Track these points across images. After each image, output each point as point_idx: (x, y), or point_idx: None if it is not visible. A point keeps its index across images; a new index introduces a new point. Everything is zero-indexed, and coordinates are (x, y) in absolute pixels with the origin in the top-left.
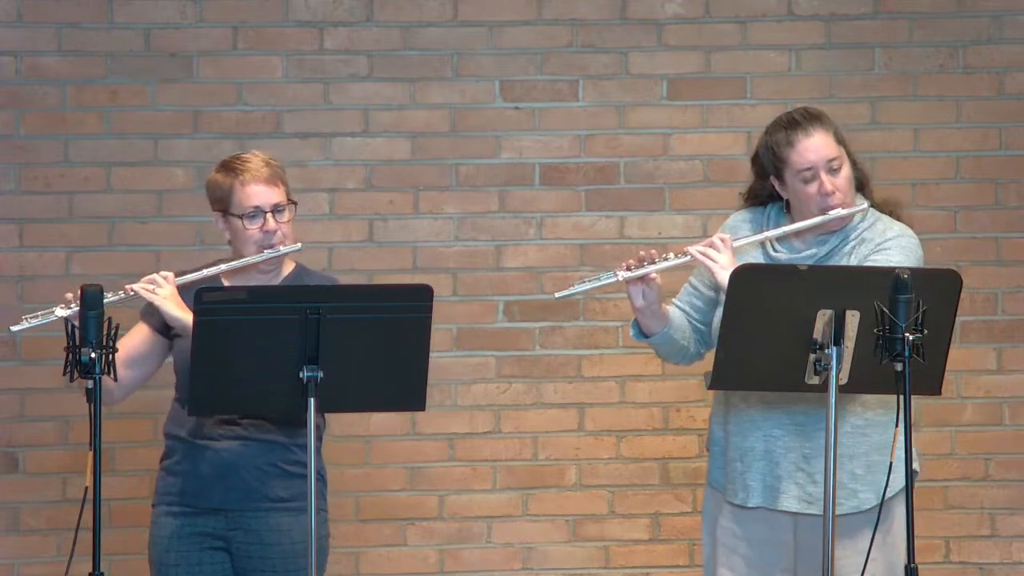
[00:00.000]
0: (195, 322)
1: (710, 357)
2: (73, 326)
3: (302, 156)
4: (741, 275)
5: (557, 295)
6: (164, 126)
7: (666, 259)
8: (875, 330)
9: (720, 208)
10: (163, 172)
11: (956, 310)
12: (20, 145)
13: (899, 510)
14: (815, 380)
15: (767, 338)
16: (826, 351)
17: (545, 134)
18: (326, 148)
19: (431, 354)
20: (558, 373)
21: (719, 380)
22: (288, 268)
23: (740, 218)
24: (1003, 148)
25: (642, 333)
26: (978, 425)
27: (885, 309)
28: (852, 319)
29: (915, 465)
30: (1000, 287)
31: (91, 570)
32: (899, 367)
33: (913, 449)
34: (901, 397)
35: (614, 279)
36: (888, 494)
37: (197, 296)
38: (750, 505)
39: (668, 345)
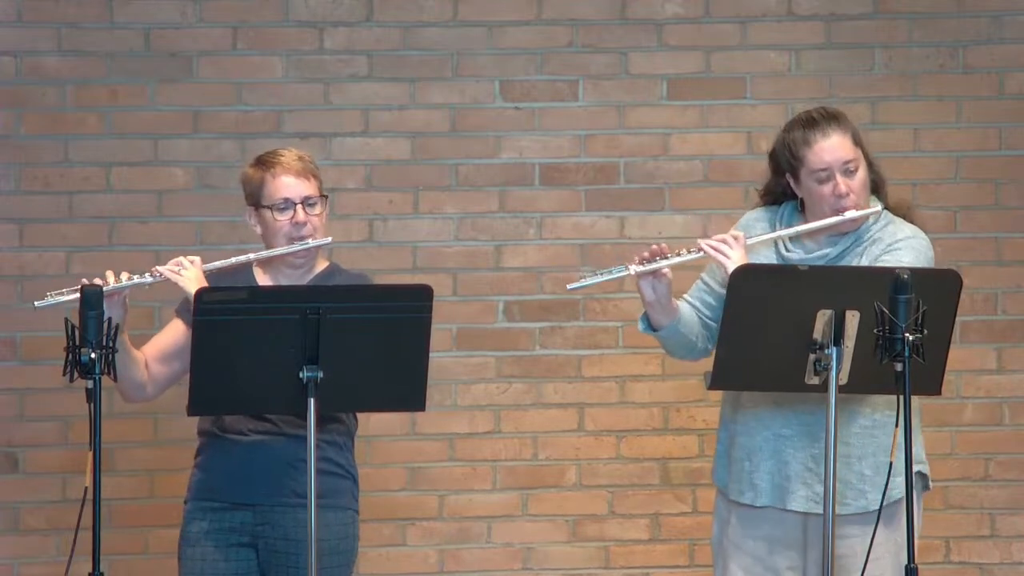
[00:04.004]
0: (195, 322)
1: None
2: (73, 326)
3: None
4: (741, 275)
5: (569, 286)
6: (164, 126)
7: (678, 254)
8: (875, 330)
9: (720, 208)
10: (163, 172)
11: (956, 310)
12: (20, 145)
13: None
14: (815, 380)
15: (767, 338)
16: (826, 351)
17: (545, 134)
18: (326, 148)
19: (431, 354)
20: (558, 373)
21: (719, 380)
22: (321, 266)
23: (754, 216)
24: (1003, 148)
25: (650, 327)
26: (978, 425)
27: (885, 309)
28: (852, 319)
29: (923, 469)
30: (1000, 287)
31: (91, 570)
32: (899, 367)
33: (921, 452)
34: (901, 397)
35: (626, 273)
36: (895, 496)
37: (197, 296)
38: (758, 505)
39: (675, 339)
